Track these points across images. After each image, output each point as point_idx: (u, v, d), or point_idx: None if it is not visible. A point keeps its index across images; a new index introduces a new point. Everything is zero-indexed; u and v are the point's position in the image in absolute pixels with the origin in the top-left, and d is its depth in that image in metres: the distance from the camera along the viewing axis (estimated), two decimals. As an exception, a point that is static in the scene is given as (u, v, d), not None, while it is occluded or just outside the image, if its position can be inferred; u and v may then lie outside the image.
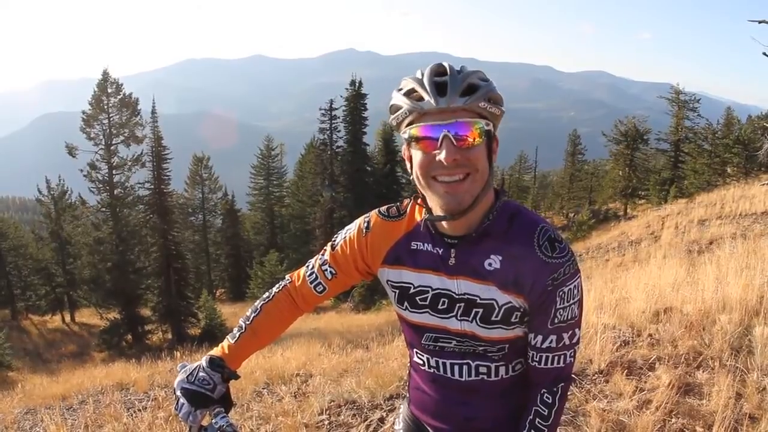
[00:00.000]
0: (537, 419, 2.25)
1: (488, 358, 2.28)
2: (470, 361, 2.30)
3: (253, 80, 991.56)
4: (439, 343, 2.33)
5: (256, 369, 10.68)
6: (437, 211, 2.14)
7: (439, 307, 2.25)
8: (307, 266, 2.54)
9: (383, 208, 2.43)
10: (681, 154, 56.48)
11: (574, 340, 2.25)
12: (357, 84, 60.71)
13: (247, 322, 2.47)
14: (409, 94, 2.06)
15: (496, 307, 2.16)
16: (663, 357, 6.09)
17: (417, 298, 2.30)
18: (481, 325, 2.20)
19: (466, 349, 2.29)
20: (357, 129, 60.76)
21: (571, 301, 2.17)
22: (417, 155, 2.06)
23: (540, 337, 2.21)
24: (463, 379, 2.32)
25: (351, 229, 2.46)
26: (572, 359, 2.28)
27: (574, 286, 2.16)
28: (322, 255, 2.52)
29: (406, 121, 2.08)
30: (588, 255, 28.97)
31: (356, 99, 60.43)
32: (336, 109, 60.48)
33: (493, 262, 2.15)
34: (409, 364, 2.65)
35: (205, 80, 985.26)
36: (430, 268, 2.25)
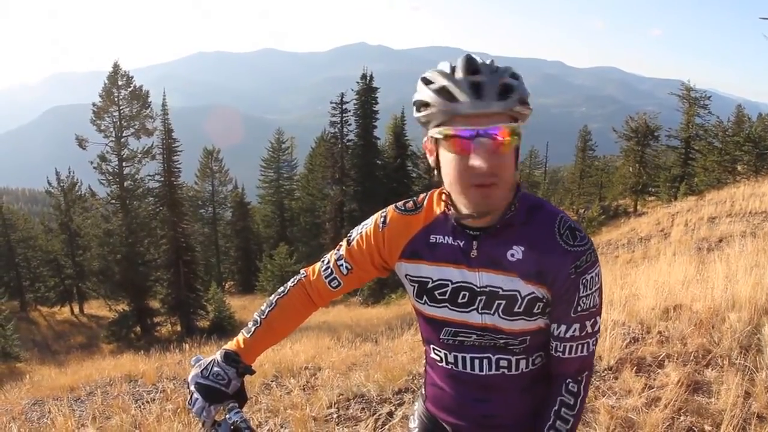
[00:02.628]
0: (563, 409, 2.25)
1: (509, 351, 2.26)
2: (491, 355, 2.28)
3: (264, 73, 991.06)
4: (458, 338, 2.31)
5: (264, 362, 10.69)
6: (463, 209, 2.10)
7: (459, 300, 2.23)
8: (323, 261, 2.50)
9: (399, 203, 2.40)
10: (691, 151, 56.19)
11: (596, 328, 2.26)
12: (368, 78, 60.61)
13: (262, 317, 2.43)
14: (441, 92, 1.99)
15: (519, 298, 2.15)
16: (672, 354, 6.08)
17: (436, 293, 2.27)
18: (504, 317, 2.18)
19: (487, 342, 2.27)
20: (368, 123, 60.62)
21: (593, 289, 2.18)
22: (450, 158, 2.01)
23: (564, 327, 2.22)
24: (483, 373, 2.30)
25: (368, 225, 2.42)
26: (594, 347, 2.29)
27: (596, 273, 2.19)
28: (338, 250, 2.48)
29: (436, 121, 2.03)
30: (598, 251, 28.68)
31: (367, 93, 60.33)
32: (347, 102, 60.32)
33: (516, 252, 2.13)
34: (425, 361, 2.62)
35: (216, 73, 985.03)
36: (451, 261, 2.22)
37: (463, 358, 2.33)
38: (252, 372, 2.36)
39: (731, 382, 5.12)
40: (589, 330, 2.23)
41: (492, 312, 2.19)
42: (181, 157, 48.63)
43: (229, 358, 2.31)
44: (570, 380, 2.29)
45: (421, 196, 2.38)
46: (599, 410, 5.14)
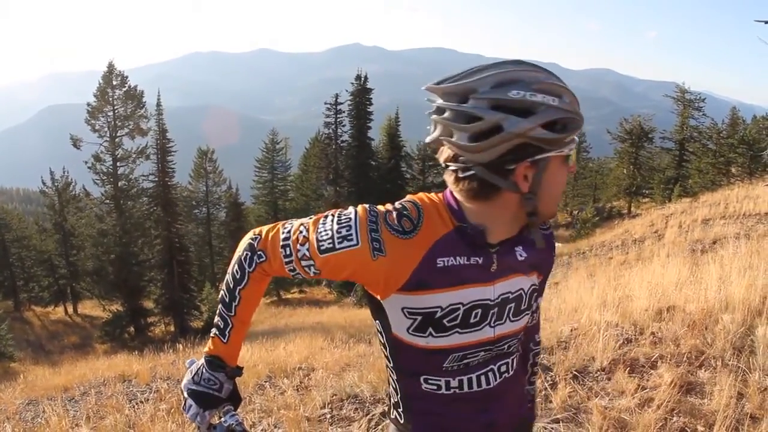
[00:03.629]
0: (536, 358, 2.52)
1: (508, 354, 2.20)
2: (493, 366, 2.15)
3: (259, 74, 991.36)
4: (464, 361, 2.09)
5: (258, 362, 10.70)
6: (541, 221, 2.01)
7: (471, 321, 2.02)
8: (284, 248, 2.07)
9: (394, 221, 1.95)
10: (686, 153, 56.48)
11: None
12: (363, 78, 60.83)
13: (231, 315, 2.22)
14: (574, 104, 1.86)
15: (524, 294, 2.12)
16: (665, 355, 6.09)
17: (444, 321, 1.99)
18: (513, 319, 2.11)
19: (492, 354, 2.14)
20: (362, 123, 60.79)
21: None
22: (561, 177, 1.94)
23: (540, 298, 2.30)
24: (490, 386, 2.16)
25: (349, 243, 1.94)
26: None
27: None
28: (304, 246, 2.02)
29: (574, 137, 1.89)
30: (592, 253, 29.01)
31: (362, 94, 60.55)
32: (341, 103, 60.49)
33: (520, 251, 2.08)
34: (403, 395, 2.23)
35: (211, 74, 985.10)
36: (468, 282, 1.98)
37: (469, 380, 2.12)
38: (240, 373, 2.29)
39: (724, 383, 5.13)
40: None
41: (503, 320, 2.09)
42: (176, 157, 48.84)
43: (214, 364, 2.23)
44: (536, 335, 2.47)
45: (411, 207, 1.99)
46: (592, 411, 5.14)
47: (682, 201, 42.19)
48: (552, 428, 5.07)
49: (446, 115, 1.85)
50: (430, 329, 2.00)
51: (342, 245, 1.94)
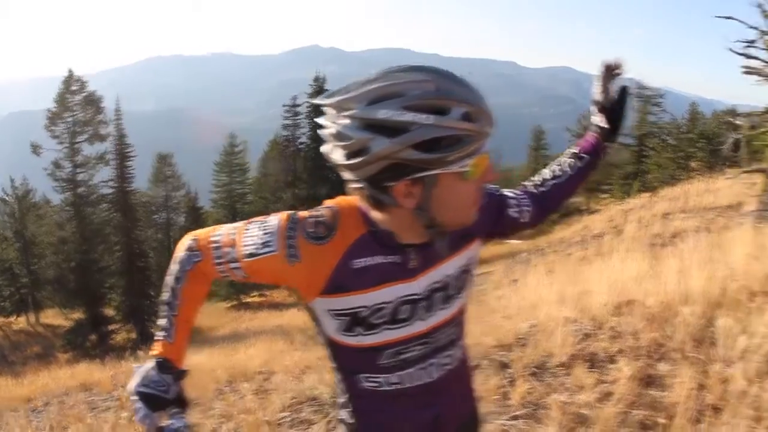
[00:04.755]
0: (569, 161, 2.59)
1: (448, 345, 2.17)
2: (433, 360, 2.14)
3: (219, 77, 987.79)
4: (401, 356, 2.09)
5: (218, 367, 10.66)
6: (448, 229, 1.92)
7: (400, 317, 2.03)
8: (215, 250, 2.11)
9: (310, 227, 1.98)
10: (645, 148, 57.03)
11: None
12: (321, 80, 60.83)
13: (174, 313, 2.24)
14: (474, 116, 1.74)
15: (451, 279, 2.07)
16: (624, 349, 6.12)
17: (371, 319, 2.01)
18: (443, 307, 2.08)
19: (430, 347, 2.12)
20: (320, 126, 60.72)
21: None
22: (465, 187, 1.82)
23: (514, 202, 2.35)
24: (433, 379, 2.16)
25: (268, 249, 1.98)
26: None
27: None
28: (232, 250, 2.07)
29: (468, 153, 1.76)
30: (550, 249, 29.08)
31: (320, 95, 60.64)
32: (299, 105, 60.52)
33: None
34: (347, 395, 2.26)
35: (172, 77, 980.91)
36: (388, 281, 1.98)
37: (410, 375, 2.13)
38: (185, 375, 2.26)
39: (684, 375, 5.15)
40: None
41: (433, 311, 2.07)
42: (135, 162, 48.73)
43: (162, 366, 2.21)
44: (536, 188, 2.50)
45: (328, 212, 2.02)
46: (551, 406, 5.14)
47: (642, 196, 42.56)
48: (511, 425, 5.06)
49: (327, 131, 1.88)
50: (359, 329, 2.02)
51: (262, 251, 1.99)
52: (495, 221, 2.24)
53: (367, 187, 1.81)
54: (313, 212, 2.03)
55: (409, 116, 1.67)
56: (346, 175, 1.84)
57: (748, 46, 20.32)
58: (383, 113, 1.69)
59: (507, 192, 2.35)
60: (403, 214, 1.84)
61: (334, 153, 1.84)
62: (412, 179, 1.74)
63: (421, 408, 2.19)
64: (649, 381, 5.45)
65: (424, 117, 1.67)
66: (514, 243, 35.73)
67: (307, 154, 60.60)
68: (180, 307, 2.23)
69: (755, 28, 20.23)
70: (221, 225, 2.18)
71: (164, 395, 2.20)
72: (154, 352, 2.26)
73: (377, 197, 1.82)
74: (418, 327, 2.06)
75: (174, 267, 2.22)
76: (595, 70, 2.58)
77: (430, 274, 2.02)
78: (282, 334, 21.84)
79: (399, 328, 2.04)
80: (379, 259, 1.96)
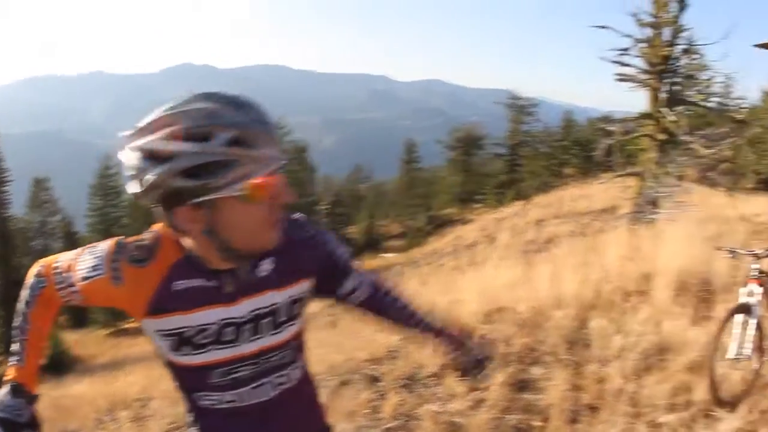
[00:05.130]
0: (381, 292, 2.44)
1: (283, 365, 2.22)
2: (266, 379, 2.19)
3: (94, 97, 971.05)
4: (231, 375, 2.14)
5: (98, 396, 10.48)
6: (253, 252, 1.94)
7: (225, 338, 2.07)
8: (56, 275, 2.14)
9: (133, 251, 2.02)
10: (518, 157, 57.98)
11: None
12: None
13: (25, 337, 2.26)
14: (239, 141, 1.71)
15: (280, 308, 2.11)
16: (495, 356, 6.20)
17: (196, 339, 2.05)
18: (273, 332, 2.13)
19: (262, 368, 2.17)
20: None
21: (341, 245, 2.31)
22: (253, 209, 1.80)
23: (346, 282, 2.31)
24: (269, 398, 2.22)
25: (97, 273, 2.03)
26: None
27: (330, 235, 2.30)
28: (69, 275, 2.10)
29: (238, 177, 1.73)
30: (423, 261, 29.28)
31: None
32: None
33: (265, 267, 2.06)
34: (190, 415, 2.31)
35: (47, 97, 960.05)
36: (207, 303, 2.02)
37: (244, 393, 2.18)
38: (37, 399, 2.27)
39: (558, 378, 5.27)
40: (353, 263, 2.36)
41: (261, 334, 2.12)
42: (14, 187, 47.48)
43: (15, 390, 2.22)
44: (383, 287, 2.44)
45: (150, 236, 2.05)
46: (423, 417, 5.18)
47: (516, 204, 43.23)
48: (383, 438, 5.08)
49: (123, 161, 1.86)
50: (187, 348, 2.07)
51: (92, 275, 2.04)
52: (325, 271, 2.25)
53: (160, 214, 1.86)
54: (139, 237, 2.06)
55: (172, 145, 1.71)
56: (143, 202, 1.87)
57: (622, 54, 21.01)
58: (155, 144, 1.73)
59: (348, 259, 2.34)
60: (202, 239, 1.87)
61: (127, 183, 1.86)
62: (191, 205, 1.77)
63: (259, 425, 2.25)
64: (522, 386, 5.55)
65: (188, 145, 1.70)
66: (388, 257, 35.86)
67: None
68: (30, 331, 2.27)
69: (629, 36, 20.90)
70: (66, 252, 2.21)
71: (17, 419, 2.20)
72: (8, 377, 2.26)
73: (170, 223, 1.87)
74: (247, 348, 2.11)
75: (24, 293, 2.24)
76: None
77: (253, 300, 2.06)
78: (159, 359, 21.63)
79: (225, 348, 2.09)
80: (197, 282, 2.00)
